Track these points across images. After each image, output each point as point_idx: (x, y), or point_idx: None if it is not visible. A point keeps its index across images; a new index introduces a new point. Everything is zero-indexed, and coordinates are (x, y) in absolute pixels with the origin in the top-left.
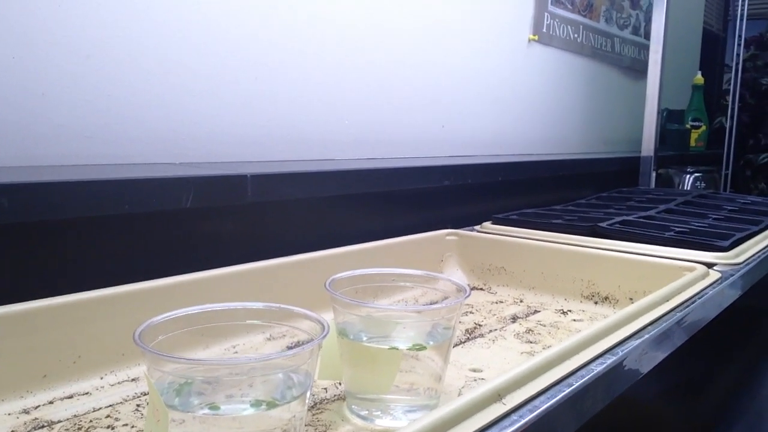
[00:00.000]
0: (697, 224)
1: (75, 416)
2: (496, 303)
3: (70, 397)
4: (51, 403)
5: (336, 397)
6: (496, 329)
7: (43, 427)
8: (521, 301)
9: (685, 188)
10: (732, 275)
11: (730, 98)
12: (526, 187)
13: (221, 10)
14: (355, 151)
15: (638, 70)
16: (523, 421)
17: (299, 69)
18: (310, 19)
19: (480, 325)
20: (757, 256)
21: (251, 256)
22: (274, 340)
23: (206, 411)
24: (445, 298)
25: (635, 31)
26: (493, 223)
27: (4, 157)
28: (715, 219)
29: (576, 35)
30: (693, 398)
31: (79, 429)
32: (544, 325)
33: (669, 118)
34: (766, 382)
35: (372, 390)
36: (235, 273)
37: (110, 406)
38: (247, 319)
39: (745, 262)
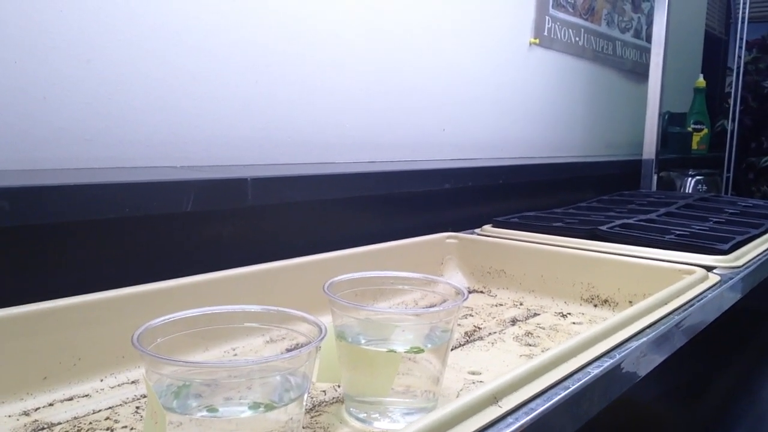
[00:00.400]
0: (697, 227)
1: (75, 418)
2: (496, 306)
3: (70, 399)
4: (51, 405)
5: (334, 400)
6: (495, 332)
7: (43, 429)
8: (521, 304)
9: (687, 191)
10: (732, 278)
11: (731, 101)
12: (526, 190)
13: (221, 14)
14: (356, 154)
15: (640, 73)
16: (519, 424)
17: (299, 72)
18: (310, 22)
19: (479, 328)
20: (757, 259)
21: (251, 259)
22: (274, 343)
23: (204, 413)
24: (445, 301)
25: (637, 35)
26: (493, 226)
27: (5, 160)
28: (715, 222)
29: (577, 38)
30: (693, 401)
31: (79, 431)
32: (544, 328)
33: (671, 121)
34: (766, 385)
35: (370, 393)
36: (235, 276)
37: (110, 408)
38: (245, 322)
39: (745, 266)
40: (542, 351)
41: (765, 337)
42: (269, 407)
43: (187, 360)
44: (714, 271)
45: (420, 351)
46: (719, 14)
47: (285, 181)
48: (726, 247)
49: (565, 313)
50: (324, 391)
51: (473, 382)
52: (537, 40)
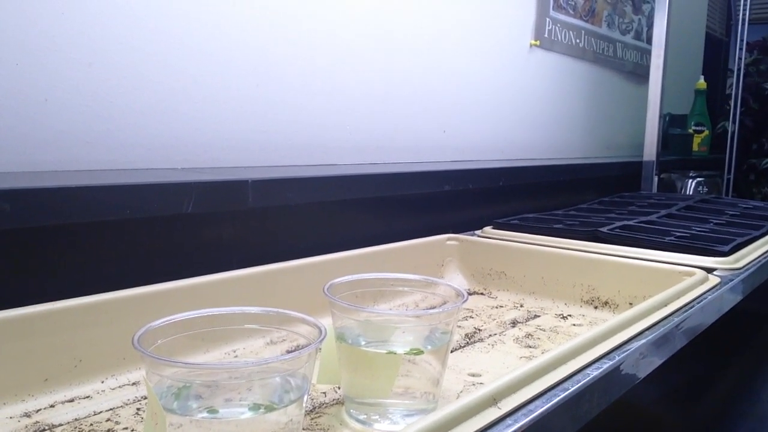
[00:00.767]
0: (698, 229)
1: (76, 420)
2: (497, 308)
3: (71, 400)
4: (52, 406)
5: (335, 402)
6: (495, 334)
7: (44, 430)
8: (521, 306)
9: (687, 193)
10: (731, 280)
11: (732, 103)
12: (527, 191)
13: (222, 17)
14: (357, 156)
15: (640, 74)
16: (518, 425)
17: (300, 75)
18: (311, 25)
19: (480, 330)
20: (757, 260)
21: (252, 261)
22: (274, 345)
23: (204, 414)
24: (445, 302)
25: (638, 36)
26: (494, 228)
27: (6, 162)
28: (716, 224)
29: (578, 40)
30: (693, 403)
31: None
32: (544, 330)
33: (671, 122)
34: (766, 386)
35: (370, 394)
36: (235, 278)
37: (111, 409)
38: (245, 323)
39: (745, 267)
40: (542, 353)
41: (765, 339)
42: (269, 408)
43: (187, 361)
44: (714, 272)
45: (420, 353)
46: (720, 16)
47: (285, 183)
48: (726, 248)
49: (565, 315)
50: (324, 393)
51: (473, 384)
52: (537, 42)
